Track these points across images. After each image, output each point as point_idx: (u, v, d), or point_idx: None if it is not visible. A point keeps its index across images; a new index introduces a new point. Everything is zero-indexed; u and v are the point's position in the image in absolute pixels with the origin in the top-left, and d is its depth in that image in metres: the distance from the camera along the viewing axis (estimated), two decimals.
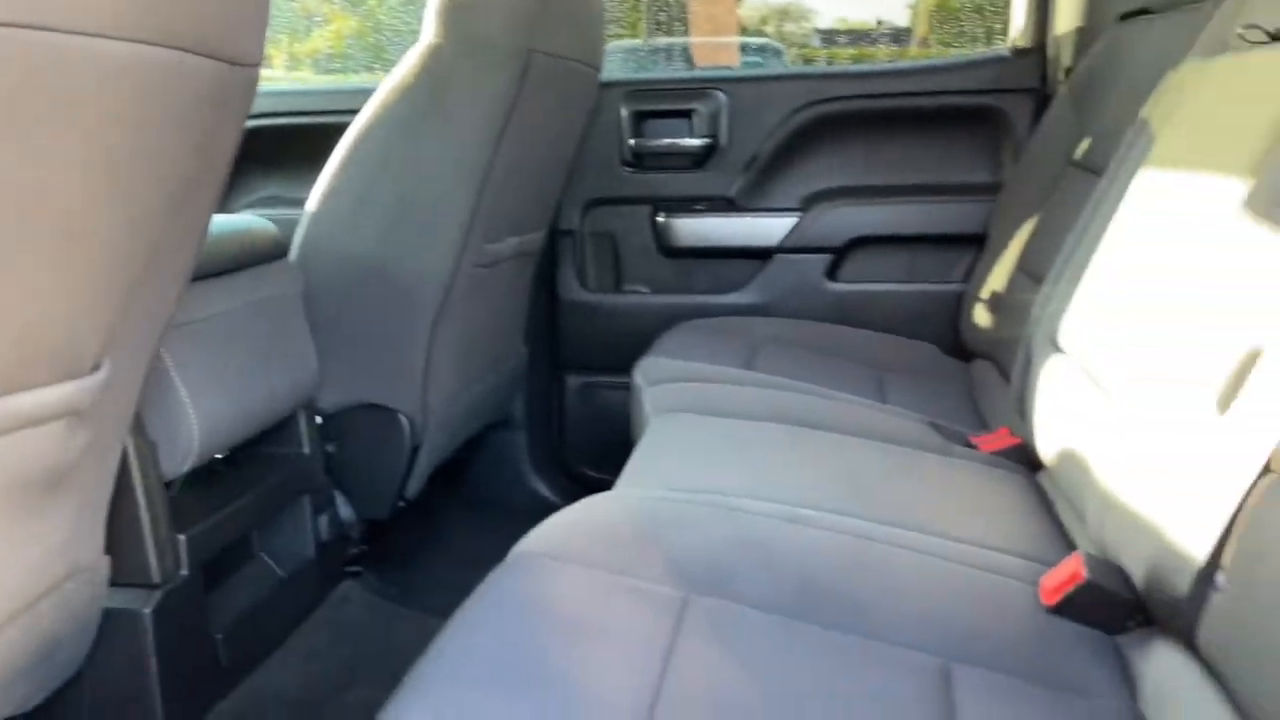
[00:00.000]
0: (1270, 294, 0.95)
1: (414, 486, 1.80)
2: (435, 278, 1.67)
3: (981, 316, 2.09)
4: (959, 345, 2.24)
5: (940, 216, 2.31)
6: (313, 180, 1.74)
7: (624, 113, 2.37)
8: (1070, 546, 1.23)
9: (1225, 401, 0.95)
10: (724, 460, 1.32)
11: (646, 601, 0.96)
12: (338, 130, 1.72)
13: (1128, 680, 0.98)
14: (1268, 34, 1.21)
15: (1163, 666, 0.96)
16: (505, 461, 2.47)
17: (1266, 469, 0.89)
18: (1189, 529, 0.94)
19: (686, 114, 2.38)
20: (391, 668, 1.59)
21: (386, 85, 1.67)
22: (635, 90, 2.39)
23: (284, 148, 2.47)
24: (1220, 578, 0.90)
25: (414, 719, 0.72)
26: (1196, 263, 1.13)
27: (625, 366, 1.93)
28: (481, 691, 0.76)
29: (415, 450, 1.76)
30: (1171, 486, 0.99)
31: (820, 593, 1.01)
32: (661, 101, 2.38)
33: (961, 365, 2.16)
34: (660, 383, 1.68)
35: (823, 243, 2.34)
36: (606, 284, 2.48)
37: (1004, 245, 2.08)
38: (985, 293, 2.10)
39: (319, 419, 1.68)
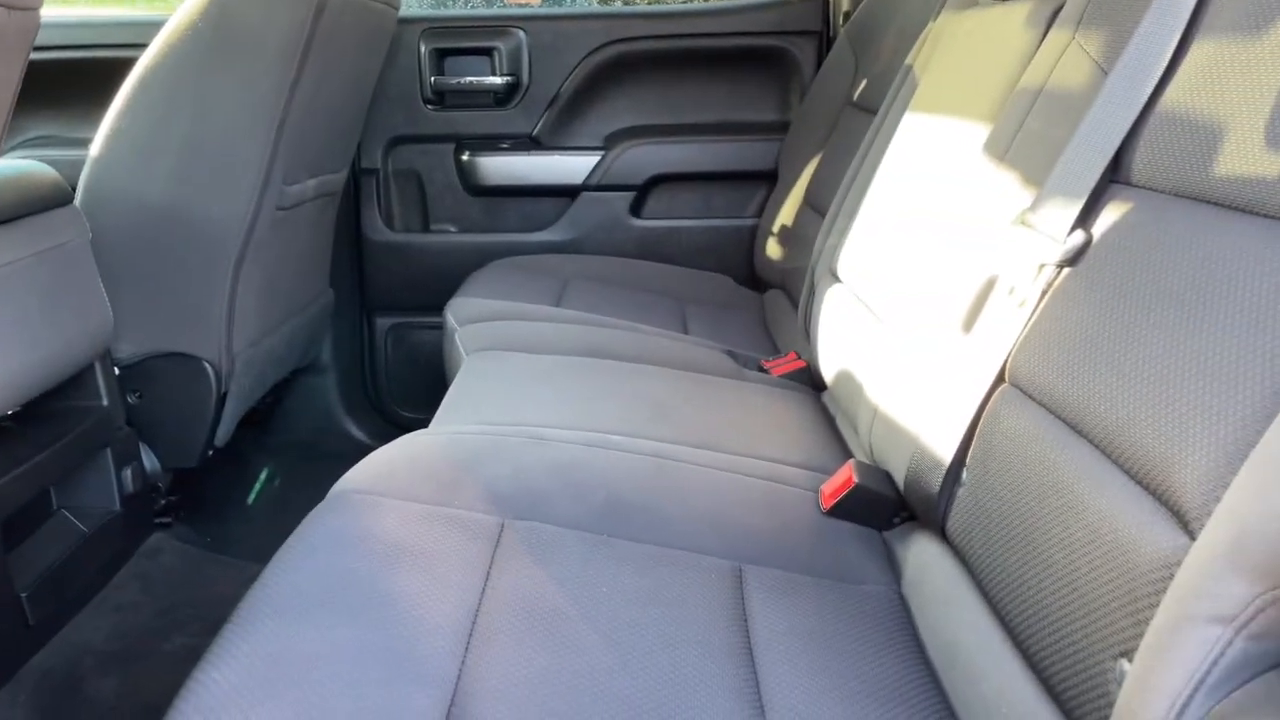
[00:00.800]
0: (1003, 228, 1.09)
1: (223, 434, 1.78)
2: (233, 221, 1.64)
3: (772, 249, 2.23)
4: (753, 276, 2.38)
5: (734, 155, 2.42)
6: (93, 120, 1.66)
7: (424, 50, 2.36)
8: (847, 455, 1.37)
9: (968, 323, 1.09)
10: (534, 394, 1.39)
11: (465, 528, 1.02)
12: (121, 66, 1.64)
13: (893, 568, 1.12)
14: None
15: (920, 554, 1.10)
16: (317, 405, 2.46)
17: (1000, 379, 1.03)
18: (939, 434, 1.08)
19: (488, 52, 2.39)
20: (210, 615, 1.60)
21: (173, 20, 1.60)
22: (435, 28, 2.37)
23: (59, 84, 2.32)
24: (964, 474, 1.05)
25: (243, 649, 0.76)
26: (948, 200, 1.27)
27: (436, 306, 1.96)
28: (305, 623, 0.81)
29: (222, 397, 1.74)
30: (926, 398, 1.12)
31: (624, 509, 1.10)
32: (462, 39, 2.38)
33: (755, 295, 2.30)
34: (471, 322, 1.73)
35: (626, 180, 2.42)
36: (413, 224, 2.48)
37: (791, 182, 2.22)
38: (775, 227, 2.24)
39: (118, 370, 1.64)
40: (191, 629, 1.54)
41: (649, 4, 2.73)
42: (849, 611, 1.02)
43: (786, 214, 2.20)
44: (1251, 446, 0.64)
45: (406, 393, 2.50)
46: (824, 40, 2.40)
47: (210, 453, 1.79)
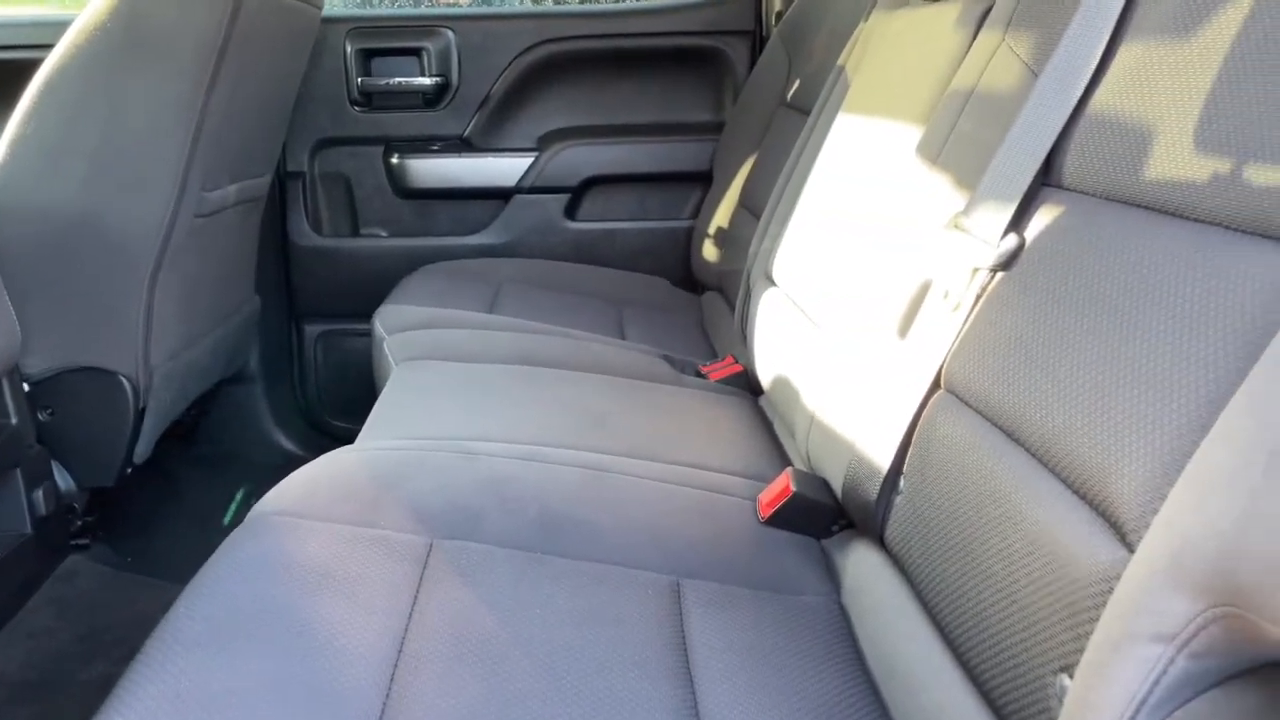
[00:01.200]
0: (936, 232, 1.08)
1: (142, 450, 1.71)
2: (149, 230, 1.57)
3: (709, 251, 2.22)
4: (690, 278, 2.36)
5: (669, 155, 2.40)
6: None
7: (350, 50, 2.30)
8: (785, 462, 1.36)
9: (903, 328, 1.08)
10: (465, 406, 1.35)
11: (390, 550, 0.98)
12: (26, 68, 1.57)
13: (832, 578, 1.11)
14: None
15: (859, 563, 1.09)
16: (244, 416, 2.38)
17: (935, 385, 1.02)
18: (875, 441, 1.07)
19: (416, 52, 2.34)
20: (134, 640, 1.53)
21: (81, 20, 1.53)
22: (360, 28, 2.32)
23: None
24: (901, 482, 1.03)
25: (149, 690, 0.72)
26: (881, 203, 1.26)
27: (367, 313, 1.91)
28: (219, 657, 0.76)
29: (140, 413, 1.67)
30: (862, 405, 1.11)
31: (557, 525, 1.07)
32: (389, 39, 2.33)
33: (693, 298, 2.28)
34: (401, 330, 1.68)
35: (560, 182, 2.38)
36: (342, 228, 2.42)
37: (727, 183, 2.20)
38: (711, 229, 2.22)
39: (27, 386, 1.56)
40: (113, 655, 1.48)
41: (580, 4, 2.70)
42: (788, 624, 1.00)
43: (722, 215, 2.19)
44: (1188, 457, 0.63)
45: (338, 402, 2.43)
46: (757, 40, 2.39)
47: (129, 470, 1.72)
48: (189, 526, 2.01)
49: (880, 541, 1.07)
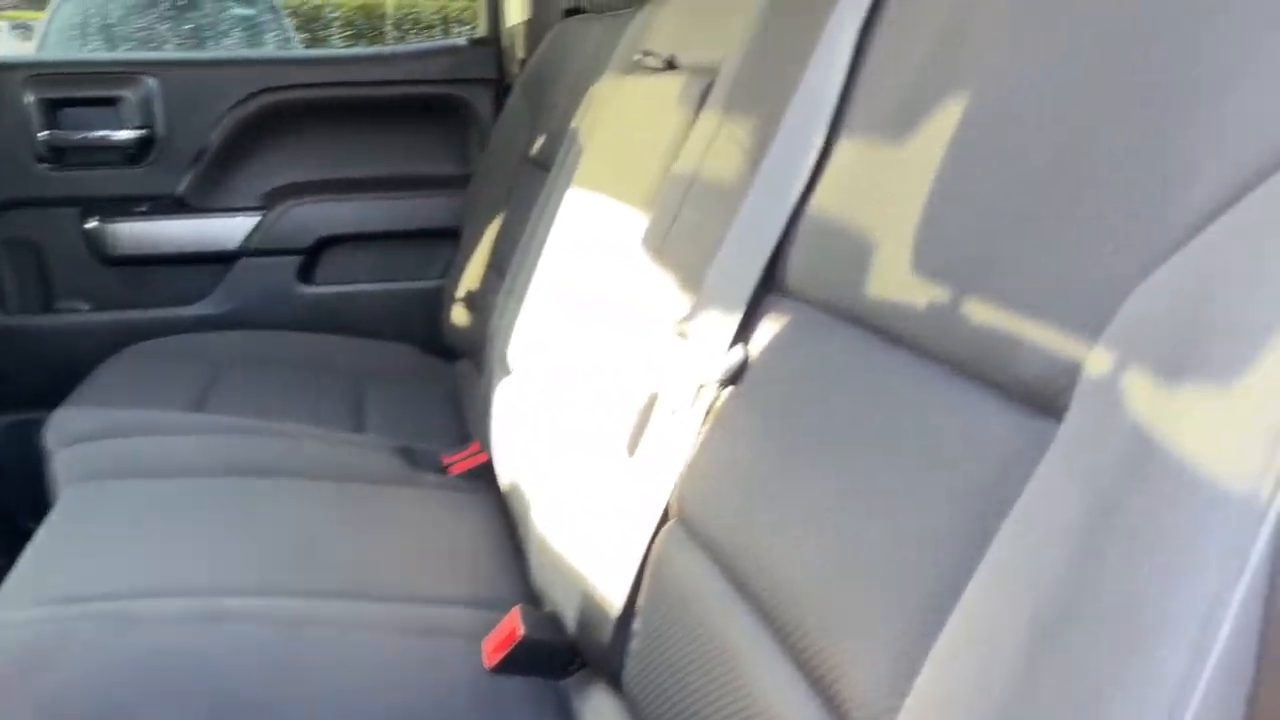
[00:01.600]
0: (663, 337, 0.97)
1: None
2: None
3: (459, 315, 2.06)
4: (442, 343, 2.19)
5: (413, 211, 2.23)
6: None
7: (30, 100, 2.00)
8: (525, 580, 1.22)
9: (631, 445, 0.97)
10: (138, 545, 1.13)
11: None
12: None
13: None
14: (663, 60, 1.25)
15: (597, 710, 0.96)
16: None
17: (665, 516, 0.91)
18: (608, 577, 0.94)
19: (112, 102, 2.06)
20: None
21: None
22: (43, 75, 2.02)
23: None
24: (636, 623, 0.91)
25: None
26: (611, 290, 1.15)
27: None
28: None
29: None
30: (592, 533, 0.99)
31: (238, 714, 0.89)
32: (79, 87, 2.05)
33: (445, 366, 2.11)
34: (78, 441, 1.43)
35: (290, 243, 2.16)
36: (32, 303, 2.10)
37: (475, 240, 2.05)
38: (461, 291, 2.06)
39: None
40: None
41: (305, 49, 2.49)
42: None
43: (472, 276, 2.04)
44: (917, 669, 0.53)
45: (33, 503, 2.11)
46: (500, 89, 2.25)
47: None
48: None
49: (618, 686, 0.94)
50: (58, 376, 2.00)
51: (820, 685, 0.63)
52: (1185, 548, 0.36)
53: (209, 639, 0.96)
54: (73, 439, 1.43)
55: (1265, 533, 0.34)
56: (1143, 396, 0.42)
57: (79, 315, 2.10)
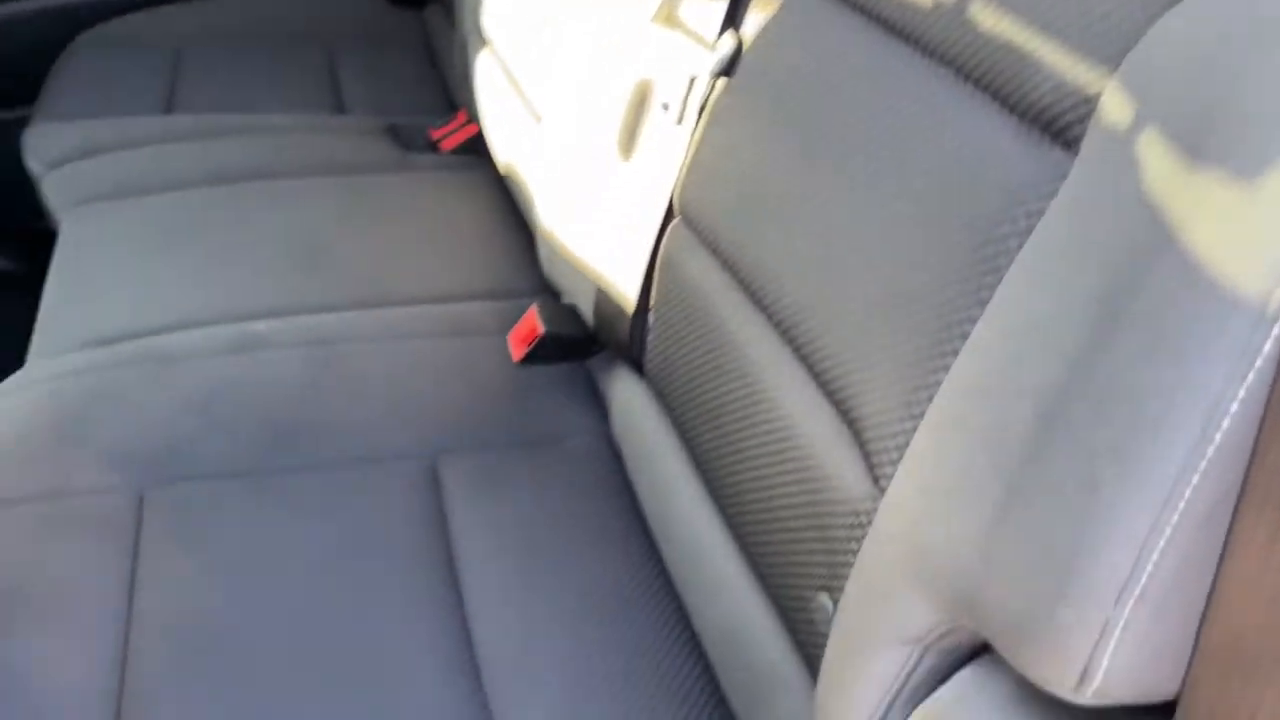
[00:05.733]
0: (649, 23, 0.91)
1: None
2: None
3: None
4: None
5: None
6: None
7: None
8: (535, 263, 1.24)
9: (624, 144, 0.94)
10: (154, 274, 1.14)
11: (93, 525, 0.85)
12: None
13: (601, 409, 1.04)
14: None
15: (624, 394, 1.02)
16: None
17: (671, 212, 0.91)
18: (619, 273, 0.96)
19: None
20: None
21: None
22: None
23: None
24: (652, 318, 0.95)
25: None
26: None
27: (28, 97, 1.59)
28: None
29: None
30: (600, 229, 0.99)
31: (286, 434, 0.95)
32: None
33: (415, 16, 1.98)
34: (61, 162, 1.39)
35: None
36: None
37: None
38: None
39: None
40: None
41: None
42: (560, 489, 0.94)
43: None
44: (929, 391, 0.56)
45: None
46: None
47: None
48: None
49: (641, 372, 1.00)
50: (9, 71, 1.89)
51: (836, 399, 0.66)
52: (1195, 342, 0.37)
53: (246, 369, 1.01)
54: (56, 160, 1.39)
55: (1275, 334, 0.35)
56: (1159, 167, 0.41)
57: (20, 4, 1.94)
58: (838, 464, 0.64)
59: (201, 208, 1.27)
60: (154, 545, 0.84)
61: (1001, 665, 0.53)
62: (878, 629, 0.53)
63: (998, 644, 0.46)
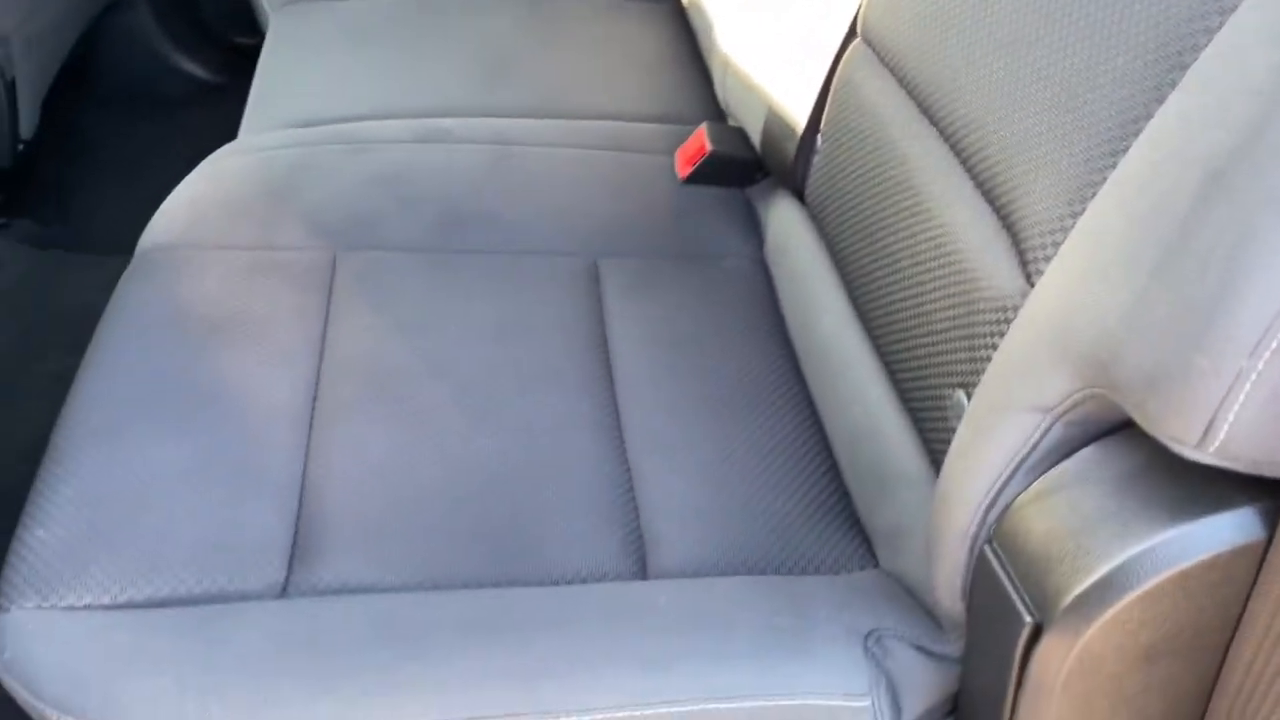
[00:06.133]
0: None
1: (27, 125, 1.59)
2: None
3: None
4: None
5: None
6: None
7: None
8: (709, 93, 1.26)
9: None
10: (350, 71, 1.22)
11: (293, 275, 0.94)
12: None
13: (756, 235, 1.08)
14: None
15: (781, 218, 1.05)
16: (138, 46, 2.18)
17: (851, 33, 0.92)
18: (792, 94, 0.99)
19: None
20: (75, 329, 1.53)
21: None
22: None
23: None
24: (819, 140, 0.97)
25: (66, 495, 0.72)
26: None
27: None
28: (128, 444, 0.76)
29: (10, 86, 1.53)
30: (778, 49, 1.01)
31: (464, 219, 1.02)
32: None
33: None
34: None
35: None
36: None
37: None
38: None
39: None
40: (62, 345, 1.48)
41: None
42: (711, 299, 0.99)
43: None
44: (1094, 189, 0.58)
45: (238, 12, 2.21)
46: None
47: (21, 146, 1.62)
48: (105, 183, 1.93)
49: (801, 197, 1.03)
50: None
51: (996, 204, 0.69)
52: None
53: (431, 158, 1.08)
54: None
55: None
56: None
57: None
58: (991, 266, 0.67)
59: (400, 12, 1.34)
60: (344, 298, 0.93)
61: (1125, 444, 0.56)
62: (1012, 398, 0.57)
63: (1129, 402, 0.49)
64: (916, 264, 0.77)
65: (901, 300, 0.79)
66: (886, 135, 0.83)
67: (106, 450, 0.76)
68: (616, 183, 1.09)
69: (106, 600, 0.67)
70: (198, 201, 1.02)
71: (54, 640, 0.64)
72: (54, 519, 0.71)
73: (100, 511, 0.72)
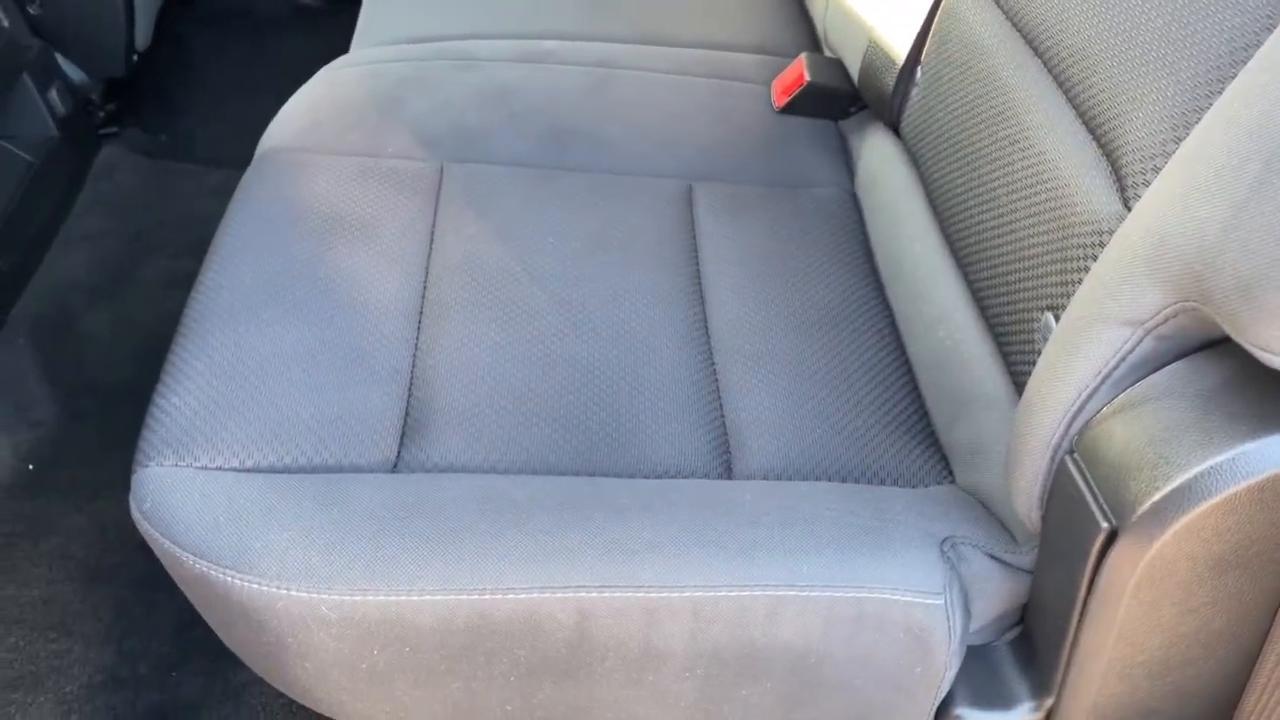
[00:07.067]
0: None
1: (143, 37, 1.66)
2: None
3: None
4: None
5: None
6: None
7: None
8: (808, 28, 1.28)
9: None
10: None
11: (402, 182, 0.99)
12: None
13: (848, 167, 1.10)
14: None
15: (874, 151, 1.07)
16: None
17: None
18: (894, 27, 1.00)
19: None
20: (180, 236, 1.61)
21: None
22: None
23: None
24: (919, 73, 0.99)
25: (193, 377, 0.77)
26: None
27: None
28: (254, 327, 0.81)
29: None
30: None
31: (566, 137, 1.06)
32: None
33: None
34: None
35: None
36: None
37: None
38: None
39: None
40: (168, 251, 1.56)
41: None
42: (800, 222, 1.02)
43: None
44: (1197, 115, 0.60)
45: None
46: None
47: (135, 58, 1.69)
48: (209, 99, 1.99)
49: (896, 131, 1.05)
50: None
51: (1098, 133, 0.70)
52: None
53: (536, 77, 1.12)
54: None
55: None
56: None
57: None
58: (1088, 191, 0.69)
59: None
60: (450, 205, 0.97)
61: (1212, 360, 0.58)
62: (1103, 313, 0.59)
63: (1221, 312, 0.51)
64: (1012, 192, 0.79)
65: (994, 227, 0.81)
66: (989, 66, 0.85)
67: (234, 330, 0.81)
68: (713, 109, 1.12)
69: (235, 464, 0.73)
70: (313, 109, 1.07)
71: (190, 495, 0.70)
72: (187, 389, 0.77)
73: (229, 384, 0.77)
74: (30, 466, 1.27)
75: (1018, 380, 0.76)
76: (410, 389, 0.80)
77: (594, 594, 0.65)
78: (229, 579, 0.66)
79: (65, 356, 1.40)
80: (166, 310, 0.84)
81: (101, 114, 1.72)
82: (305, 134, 1.03)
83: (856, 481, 0.78)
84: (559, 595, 0.65)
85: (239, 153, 1.09)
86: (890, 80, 1.01)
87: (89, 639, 1.10)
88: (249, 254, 0.89)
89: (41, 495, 1.23)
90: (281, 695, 0.80)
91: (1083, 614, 0.63)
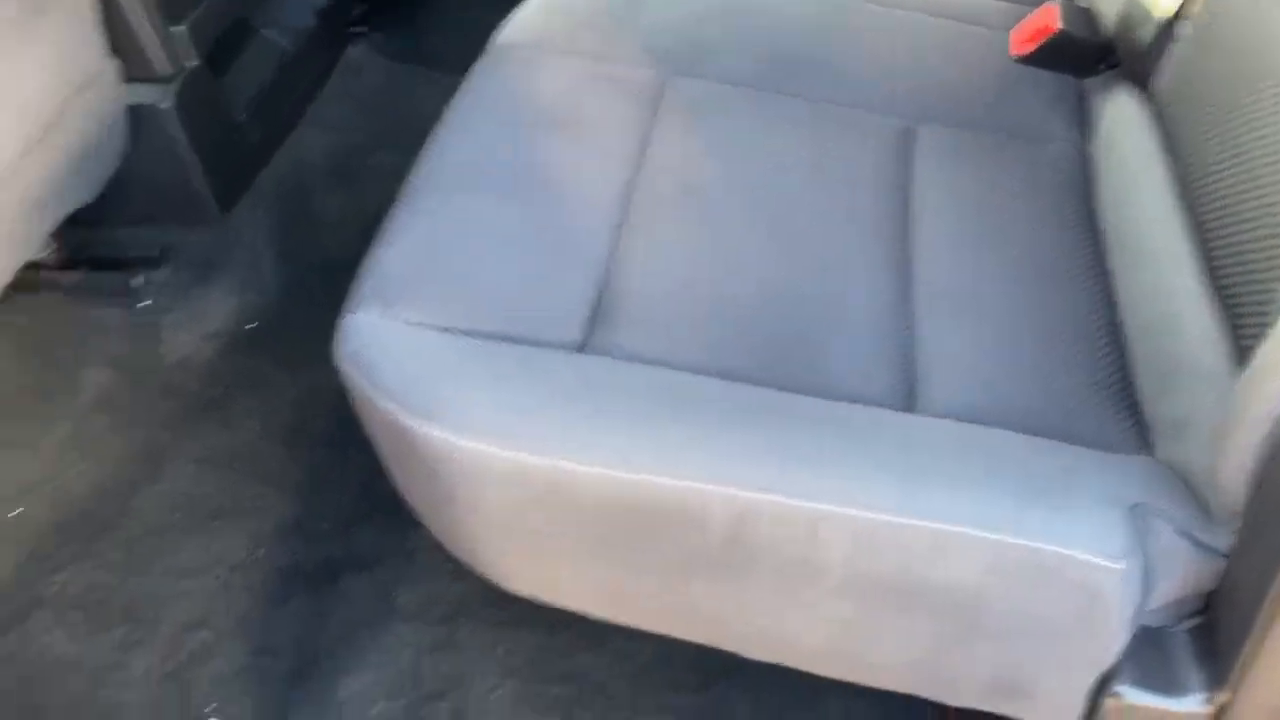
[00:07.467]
0: None
1: None
2: None
3: None
4: None
5: None
6: None
7: None
8: None
9: None
10: None
11: (624, 89, 1.00)
12: None
13: (1085, 124, 1.04)
14: None
15: (1118, 111, 1.00)
16: None
17: None
18: None
19: None
20: (413, 135, 1.69)
21: None
22: None
23: None
24: (1183, 27, 0.91)
25: (408, 236, 0.82)
26: None
27: None
28: (469, 200, 0.85)
29: None
30: None
31: (792, 62, 1.04)
32: None
33: None
34: None
35: None
36: None
37: None
38: None
39: None
40: (400, 146, 1.63)
41: None
42: (1023, 175, 0.97)
43: None
44: None
45: None
46: None
47: None
48: (456, 7, 2.07)
49: (1146, 90, 0.98)
50: None
51: None
52: None
53: (769, 1, 1.10)
54: None
55: None
56: None
57: None
58: None
59: None
60: (668, 118, 0.98)
61: None
62: None
63: None
64: (1273, 158, 0.72)
65: (1246, 195, 0.75)
66: (1269, 18, 0.77)
67: (450, 202, 0.85)
68: (948, 51, 1.08)
69: (435, 323, 0.76)
70: (548, 11, 1.09)
71: (390, 344, 0.74)
72: (401, 248, 0.81)
73: (439, 250, 0.81)
74: (250, 326, 1.38)
75: (1242, 354, 0.70)
76: (606, 277, 0.81)
77: (755, 494, 0.65)
78: (414, 425, 0.69)
79: (297, 230, 1.50)
80: (393, 199, 0.90)
81: (355, 11, 1.82)
82: (538, 32, 1.06)
83: (1048, 437, 0.74)
84: (720, 490, 0.65)
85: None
86: (1148, 34, 0.94)
87: (284, 488, 1.19)
88: (471, 136, 0.92)
89: (259, 355, 1.34)
90: (449, 561, 0.84)
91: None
